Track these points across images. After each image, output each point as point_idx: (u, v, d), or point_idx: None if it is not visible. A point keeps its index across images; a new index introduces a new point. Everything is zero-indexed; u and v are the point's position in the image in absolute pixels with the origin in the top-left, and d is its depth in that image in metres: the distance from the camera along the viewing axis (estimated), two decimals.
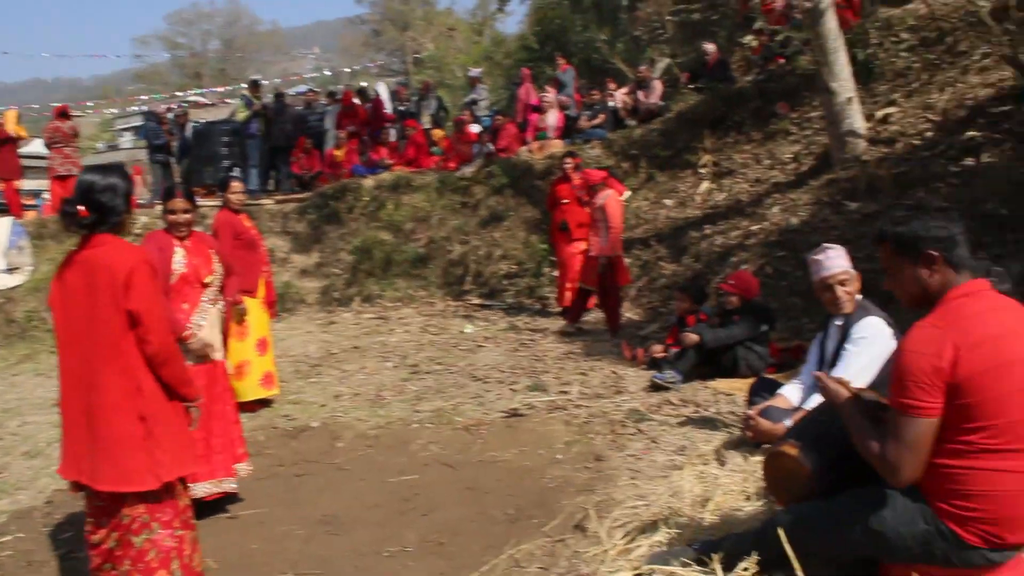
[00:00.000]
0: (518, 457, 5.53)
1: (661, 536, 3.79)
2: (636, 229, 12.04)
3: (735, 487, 4.31)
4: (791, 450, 3.11)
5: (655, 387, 6.75)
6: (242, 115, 16.09)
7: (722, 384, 6.69)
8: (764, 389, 5.35)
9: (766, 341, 6.87)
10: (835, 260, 4.63)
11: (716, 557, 3.19)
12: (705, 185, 11.82)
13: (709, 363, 6.88)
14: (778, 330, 7.84)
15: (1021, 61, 8.96)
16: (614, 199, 9.00)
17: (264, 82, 23.64)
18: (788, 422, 4.50)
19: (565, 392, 6.86)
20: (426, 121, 17.37)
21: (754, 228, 9.99)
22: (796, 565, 2.92)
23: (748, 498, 4.14)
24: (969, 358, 2.57)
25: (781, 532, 2.98)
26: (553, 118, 14.50)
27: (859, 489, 2.89)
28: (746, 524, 3.71)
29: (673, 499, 4.31)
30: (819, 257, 4.62)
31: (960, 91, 9.81)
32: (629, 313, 10.26)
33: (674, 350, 7.17)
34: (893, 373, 2.68)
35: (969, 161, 8.49)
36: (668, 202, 12.14)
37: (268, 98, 17.68)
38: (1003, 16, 9.42)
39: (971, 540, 2.66)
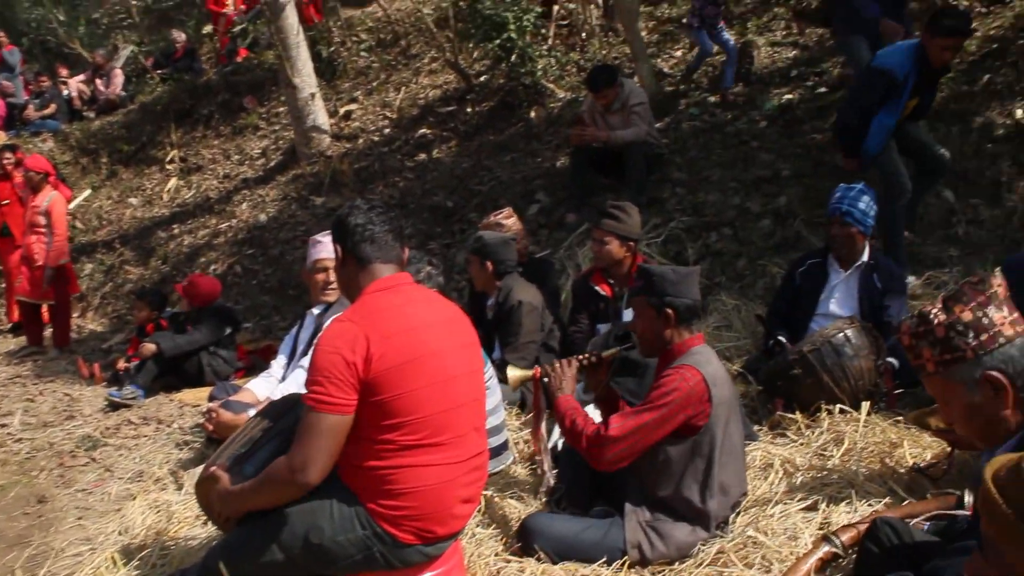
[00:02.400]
0: None
1: None
2: (99, 231, 11.06)
3: (191, 512, 3.97)
4: (220, 473, 2.88)
5: (113, 406, 6.14)
6: None
7: (188, 395, 6.26)
8: (225, 392, 5.11)
9: (232, 344, 6.60)
10: (332, 245, 4.53)
11: None
12: (173, 182, 11.20)
13: (172, 373, 6.45)
14: (249, 331, 7.65)
15: (461, 66, 9.76)
16: (60, 202, 8.07)
17: None
18: (252, 412, 4.26)
19: (4, 425, 5.96)
20: None
21: (223, 226, 9.67)
22: None
23: (205, 523, 3.84)
24: (382, 353, 2.53)
25: (221, 565, 2.75)
26: None
27: (298, 504, 2.75)
28: (199, 554, 3.41)
29: (123, 537, 3.88)
30: (320, 239, 4.43)
31: (414, 91, 10.44)
32: (92, 324, 9.37)
33: (135, 362, 6.60)
34: (309, 369, 2.57)
35: (422, 156, 9.03)
36: (134, 201, 11.31)
37: None
38: (445, 24, 10.15)
39: (406, 539, 2.64)
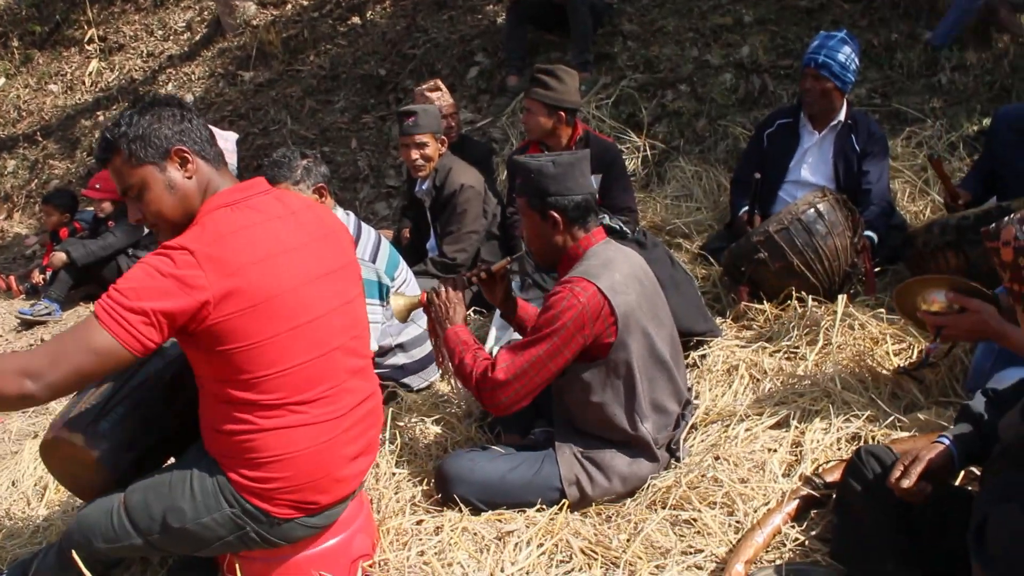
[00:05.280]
0: None
1: None
2: (19, 124, 10.20)
3: None
4: (69, 434, 2.37)
5: (26, 324, 5.63)
6: None
7: None
8: None
9: (154, 244, 5.98)
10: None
11: None
12: (94, 64, 10.28)
13: (91, 281, 5.90)
14: None
15: None
16: None
17: None
18: None
19: None
20: None
21: None
22: None
23: None
24: (226, 293, 1.96)
25: (75, 552, 2.28)
26: None
27: (153, 478, 2.27)
28: None
29: (12, 491, 3.43)
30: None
31: None
32: (17, 227, 8.71)
33: (49, 272, 6.03)
34: (122, 277, 1.96)
35: (355, 20, 8.23)
36: (54, 87, 10.42)
37: None
38: None
39: (281, 514, 2.18)
